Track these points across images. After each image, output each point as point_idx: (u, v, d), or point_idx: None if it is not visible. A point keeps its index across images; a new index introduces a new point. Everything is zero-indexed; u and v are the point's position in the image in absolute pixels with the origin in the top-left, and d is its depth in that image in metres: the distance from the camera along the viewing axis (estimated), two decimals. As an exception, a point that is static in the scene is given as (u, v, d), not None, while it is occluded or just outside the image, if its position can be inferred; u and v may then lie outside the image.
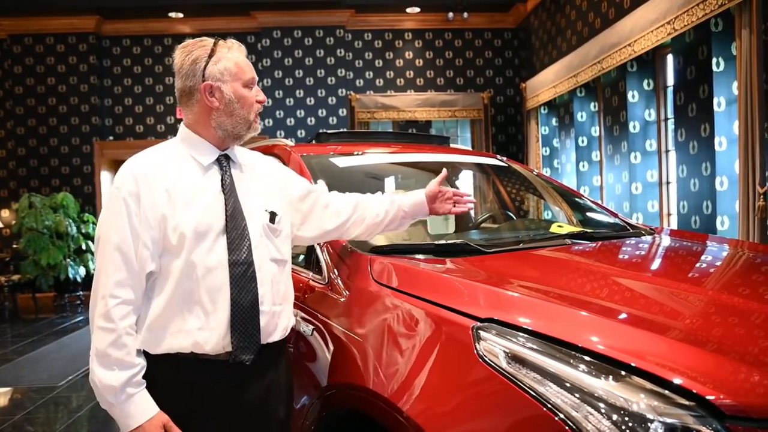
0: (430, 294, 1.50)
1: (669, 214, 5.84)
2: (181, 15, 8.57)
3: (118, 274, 1.42)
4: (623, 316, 1.34)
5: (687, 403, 1.05)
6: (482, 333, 1.30)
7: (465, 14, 8.93)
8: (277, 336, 1.55)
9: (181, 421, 1.44)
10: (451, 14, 8.90)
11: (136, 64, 8.90)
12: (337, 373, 1.64)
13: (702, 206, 4.75)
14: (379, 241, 2.16)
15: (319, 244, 1.97)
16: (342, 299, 1.76)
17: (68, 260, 8.01)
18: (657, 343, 1.21)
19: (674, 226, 5.56)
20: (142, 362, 1.44)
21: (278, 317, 1.56)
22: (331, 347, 1.71)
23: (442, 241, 2.05)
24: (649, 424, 1.04)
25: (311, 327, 1.83)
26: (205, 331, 1.44)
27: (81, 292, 8.34)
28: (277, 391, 1.58)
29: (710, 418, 1.03)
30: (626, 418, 1.07)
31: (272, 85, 8.71)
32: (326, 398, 1.68)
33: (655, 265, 2.00)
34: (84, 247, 8.16)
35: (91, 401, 4.22)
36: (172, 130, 8.67)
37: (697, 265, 1.96)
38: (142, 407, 1.41)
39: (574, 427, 1.09)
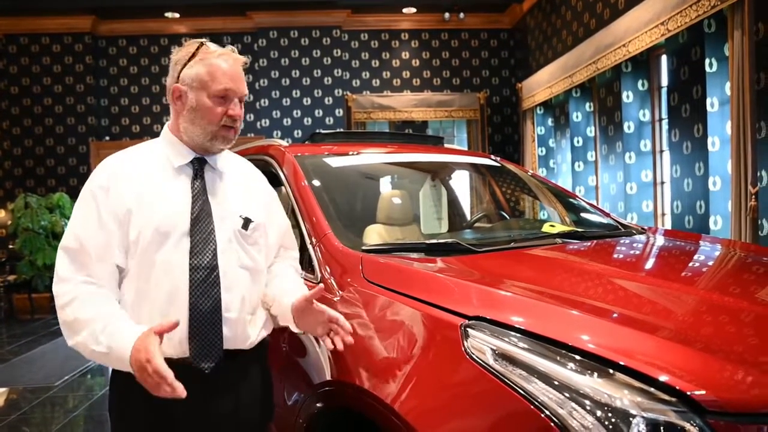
0: (420, 292, 1.52)
1: (663, 214, 5.86)
2: (177, 15, 8.57)
3: (70, 264, 1.41)
4: (610, 314, 1.36)
5: (669, 399, 1.07)
6: (470, 331, 1.32)
7: (461, 15, 8.95)
8: (247, 345, 1.53)
9: (147, 426, 1.43)
10: (447, 15, 8.93)
11: (132, 64, 8.90)
12: (330, 371, 1.65)
13: (695, 206, 4.78)
14: (372, 240, 2.18)
15: (311, 243, 1.98)
16: (334, 298, 1.78)
17: (64, 260, 8.00)
18: (642, 341, 1.23)
19: (668, 226, 5.58)
20: (113, 309, 1.39)
21: (249, 325, 1.54)
22: (323, 345, 1.72)
23: (433, 241, 2.06)
24: (631, 419, 1.06)
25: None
26: (162, 335, 1.41)
27: (77, 292, 8.34)
28: (249, 400, 1.55)
29: (691, 414, 1.05)
30: (609, 414, 1.09)
31: (269, 86, 8.71)
32: (318, 396, 1.69)
33: (645, 264, 2.02)
34: (80, 247, 8.16)
35: (87, 401, 4.23)
36: (168, 130, 8.68)
37: (687, 264, 1.99)
38: (130, 332, 1.34)
39: (559, 423, 1.11)
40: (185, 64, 1.50)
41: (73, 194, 8.46)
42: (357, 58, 9.14)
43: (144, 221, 1.44)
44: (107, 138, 8.84)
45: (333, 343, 1.49)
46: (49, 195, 8.22)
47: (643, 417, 1.06)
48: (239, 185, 1.62)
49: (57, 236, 7.94)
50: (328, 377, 1.64)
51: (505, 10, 9.10)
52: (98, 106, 8.81)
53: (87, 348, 1.38)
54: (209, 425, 1.49)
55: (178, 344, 1.44)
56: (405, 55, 9.24)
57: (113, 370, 1.46)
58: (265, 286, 1.64)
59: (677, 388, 1.07)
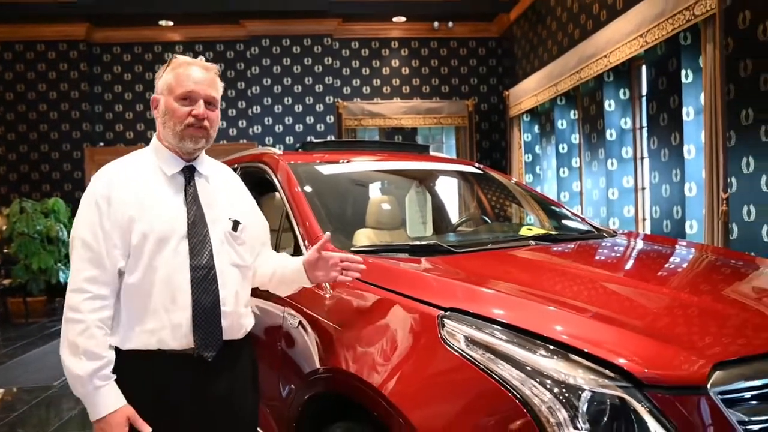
0: (403, 288, 1.68)
1: (644, 219, 6.06)
2: (171, 23, 8.71)
3: (89, 270, 1.52)
4: (571, 305, 1.53)
5: (614, 376, 1.25)
6: (446, 321, 1.48)
7: (450, 24, 9.17)
8: (240, 334, 1.70)
9: (151, 414, 1.55)
10: (436, 23, 9.15)
11: (126, 71, 9.03)
12: (322, 360, 1.81)
13: (672, 211, 4.98)
14: (361, 242, 2.34)
15: (305, 244, 2.14)
16: (326, 294, 1.93)
17: (59, 264, 8.08)
18: (596, 328, 1.41)
19: (648, 230, 5.78)
20: (110, 356, 1.52)
21: (243, 318, 1.71)
22: (317, 337, 1.87)
23: (416, 243, 2.23)
24: (581, 393, 1.24)
25: (297, 320, 2.00)
26: (168, 330, 1.56)
27: (71, 296, 8.40)
28: (241, 383, 1.71)
29: (633, 389, 1.23)
30: (564, 390, 1.26)
31: (261, 93, 8.87)
32: (310, 383, 1.85)
33: (610, 262, 2.20)
34: (74, 251, 8.23)
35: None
36: (162, 137, 8.79)
37: (647, 262, 2.18)
38: (108, 399, 1.50)
39: (521, 399, 1.28)
40: (161, 77, 1.68)
41: (68, 199, 8.56)
42: (348, 66, 9.31)
43: (146, 227, 1.57)
44: (101, 144, 8.95)
45: (350, 276, 1.72)
46: (44, 200, 8.29)
47: (591, 391, 1.24)
48: (224, 190, 1.78)
49: (52, 241, 8.03)
50: (321, 365, 1.80)
51: (493, 19, 9.32)
52: (92, 113, 8.92)
53: (71, 371, 1.51)
54: (206, 409, 1.64)
55: (183, 337, 1.58)
56: (395, 63, 9.43)
57: (116, 357, 1.57)
58: (260, 269, 1.83)
59: (621, 367, 1.25)
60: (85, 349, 1.50)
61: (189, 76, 1.64)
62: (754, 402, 1.27)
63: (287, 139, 8.90)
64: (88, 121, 8.81)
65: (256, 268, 1.84)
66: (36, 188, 8.76)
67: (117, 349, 1.56)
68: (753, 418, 1.24)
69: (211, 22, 8.76)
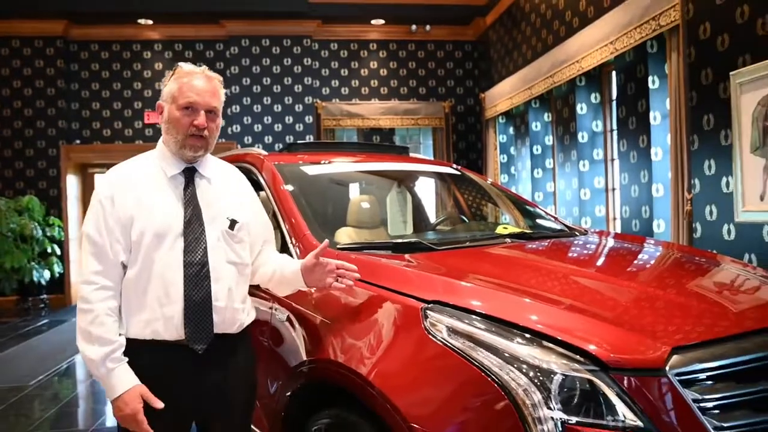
0: (388, 282, 1.79)
1: (615, 219, 6.27)
2: (150, 22, 8.67)
3: (95, 264, 1.66)
4: (544, 297, 1.66)
5: (583, 360, 1.38)
6: (429, 312, 1.59)
7: (427, 27, 9.31)
8: (235, 329, 1.78)
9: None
10: (414, 26, 9.28)
11: (104, 68, 8.96)
12: (310, 351, 1.91)
13: (641, 211, 5.18)
14: (345, 239, 2.44)
15: (292, 241, 2.23)
16: (313, 289, 2.03)
17: (32, 263, 8.00)
18: (565, 317, 1.54)
19: (618, 229, 5.98)
20: (120, 340, 1.65)
21: (238, 313, 1.79)
22: (305, 331, 1.97)
23: (399, 240, 2.34)
24: (553, 376, 1.36)
25: (285, 314, 2.09)
26: (160, 322, 1.67)
27: (45, 296, 8.32)
28: (235, 375, 1.79)
29: (600, 372, 1.36)
30: (538, 374, 1.38)
31: (240, 92, 8.88)
32: (298, 374, 1.94)
33: (581, 257, 2.33)
34: (49, 250, 8.15)
35: (60, 401, 4.34)
36: (139, 135, 8.75)
37: (614, 257, 2.33)
38: (122, 380, 1.62)
39: (500, 383, 1.40)
40: (166, 84, 1.79)
41: (43, 197, 8.47)
42: (327, 67, 9.38)
43: (144, 225, 1.68)
44: (77, 142, 8.87)
45: (344, 284, 1.81)
46: (18, 197, 8.20)
47: (563, 375, 1.36)
48: (225, 189, 1.87)
49: (26, 239, 7.94)
50: (310, 356, 1.89)
51: (470, 22, 9.48)
52: (69, 110, 8.83)
53: (85, 356, 1.64)
54: (199, 400, 1.72)
55: (174, 329, 1.68)
56: (373, 64, 9.53)
57: None
58: (261, 268, 1.92)
59: (590, 352, 1.38)
60: (98, 336, 1.62)
61: (192, 86, 1.74)
62: (708, 382, 1.41)
63: (266, 138, 8.93)
64: (64, 119, 8.72)
65: (258, 266, 1.93)
66: (9, 186, 8.63)
67: None
68: (706, 397, 1.38)
69: (191, 21, 8.73)
